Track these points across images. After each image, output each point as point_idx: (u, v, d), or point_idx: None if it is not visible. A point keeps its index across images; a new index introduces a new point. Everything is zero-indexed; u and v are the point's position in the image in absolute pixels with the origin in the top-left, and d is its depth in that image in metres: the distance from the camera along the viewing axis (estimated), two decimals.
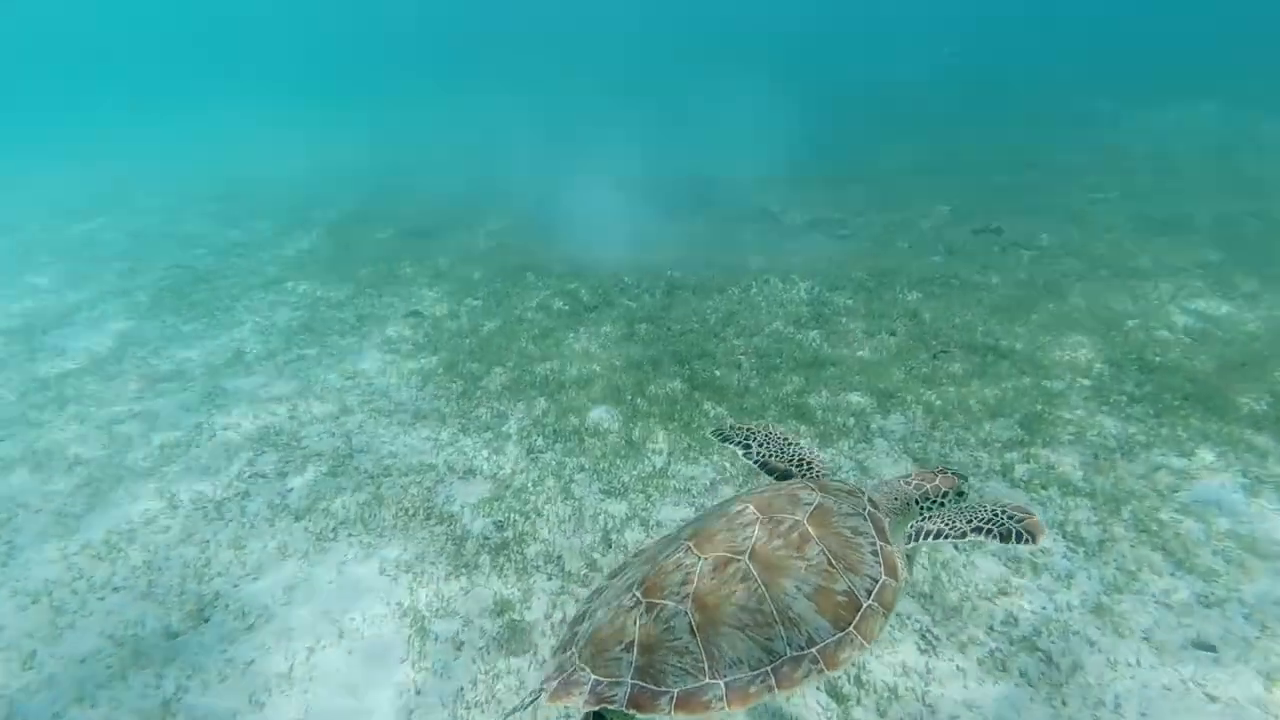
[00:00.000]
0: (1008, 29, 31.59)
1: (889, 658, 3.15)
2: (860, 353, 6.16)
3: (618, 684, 2.01)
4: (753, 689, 1.98)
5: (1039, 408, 4.98)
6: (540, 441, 5.16)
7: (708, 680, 1.99)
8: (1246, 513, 3.87)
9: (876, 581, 2.16)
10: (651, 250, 9.54)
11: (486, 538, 4.13)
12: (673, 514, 4.23)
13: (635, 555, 2.60)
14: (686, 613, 2.06)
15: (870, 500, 2.42)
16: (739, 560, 2.14)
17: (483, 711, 3.00)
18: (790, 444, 2.93)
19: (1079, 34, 28.63)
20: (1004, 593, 3.48)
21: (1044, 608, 3.37)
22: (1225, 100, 15.55)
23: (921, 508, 2.48)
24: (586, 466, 4.79)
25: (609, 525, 4.17)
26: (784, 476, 2.79)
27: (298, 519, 4.40)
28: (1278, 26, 23.59)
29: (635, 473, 4.67)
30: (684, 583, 2.13)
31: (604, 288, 8.42)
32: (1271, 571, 3.46)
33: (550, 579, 3.79)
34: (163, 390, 6.45)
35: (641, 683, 2.00)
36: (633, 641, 2.07)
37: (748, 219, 11.13)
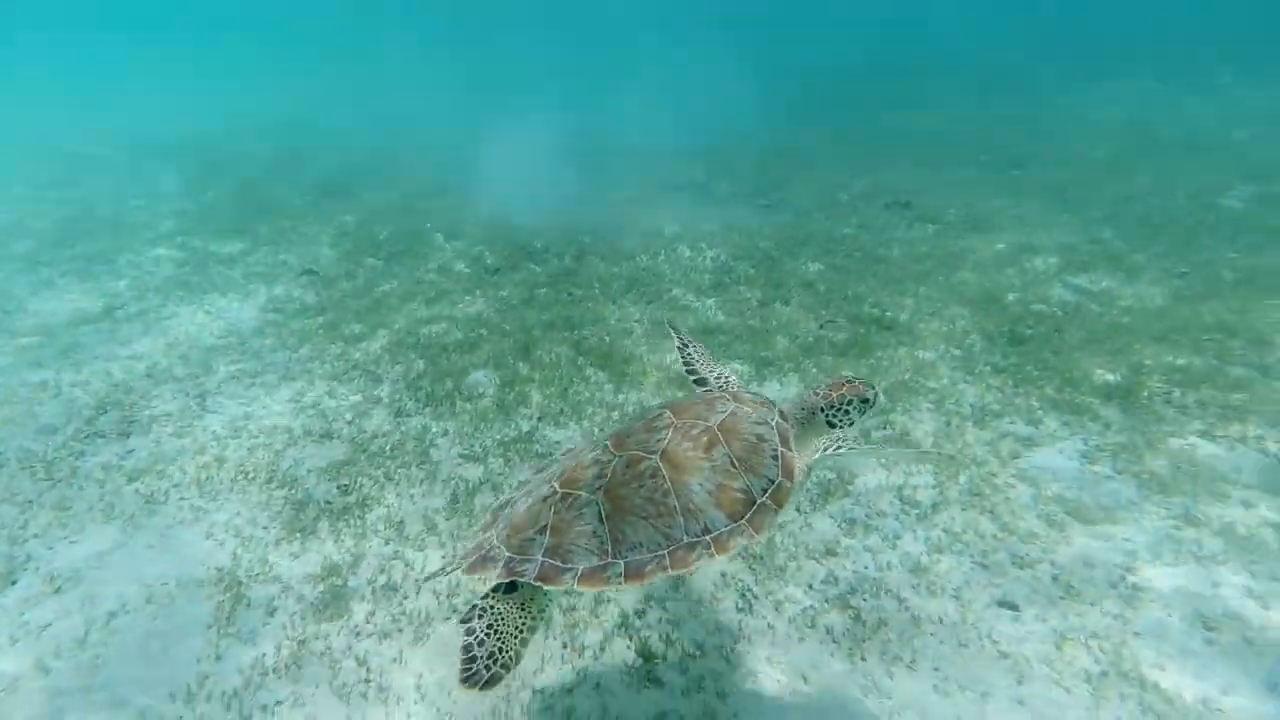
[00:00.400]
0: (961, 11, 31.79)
1: (706, 615, 3.18)
2: (751, 321, 6.17)
3: (528, 560, 2.24)
4: (649, 567, 2.20)
5: (907, 377, 5.07)
6: (410, 405, 5.03)
7: (610, 560, 2.21)
8: (1079, 479, 4.02)
9: (773, 482, 2.39)
10: (573, 215, 9.36)
11: (328, 502, 4.01)
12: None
13: (563, 454, 2.79)
14: (597, 503, 2.30)
15: (780, 413, 2.63)
16: (650, 459, 2.37)
17: (279, 677, 2.92)
18: (717, 367, 3.21)
19: (1026, 14, 28.99)
20: (831, 553, 3.53)
21: (865, 567, 3.44)
22: (1155, 76, 16.05)
23: (828, 416, 2.65)
24: (451, 430, 4.69)
25: (460, 490, 4.09)
26: (703, 384, 3.08)
27: (130, 480, 4.19)
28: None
29: (499, 437, 4.60)
30: (599, 476, 2.36)
31: (513, 251, 8.24)
32: (1089, 535, 3.60)
33: (387, 543, 3.70)
34: (22, 346, 6.07)
35: (550, 560, 2.23)
36: (546, 525, 2.30)
37: (677, 188, 11.02)
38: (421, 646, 3.04)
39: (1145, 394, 4.68)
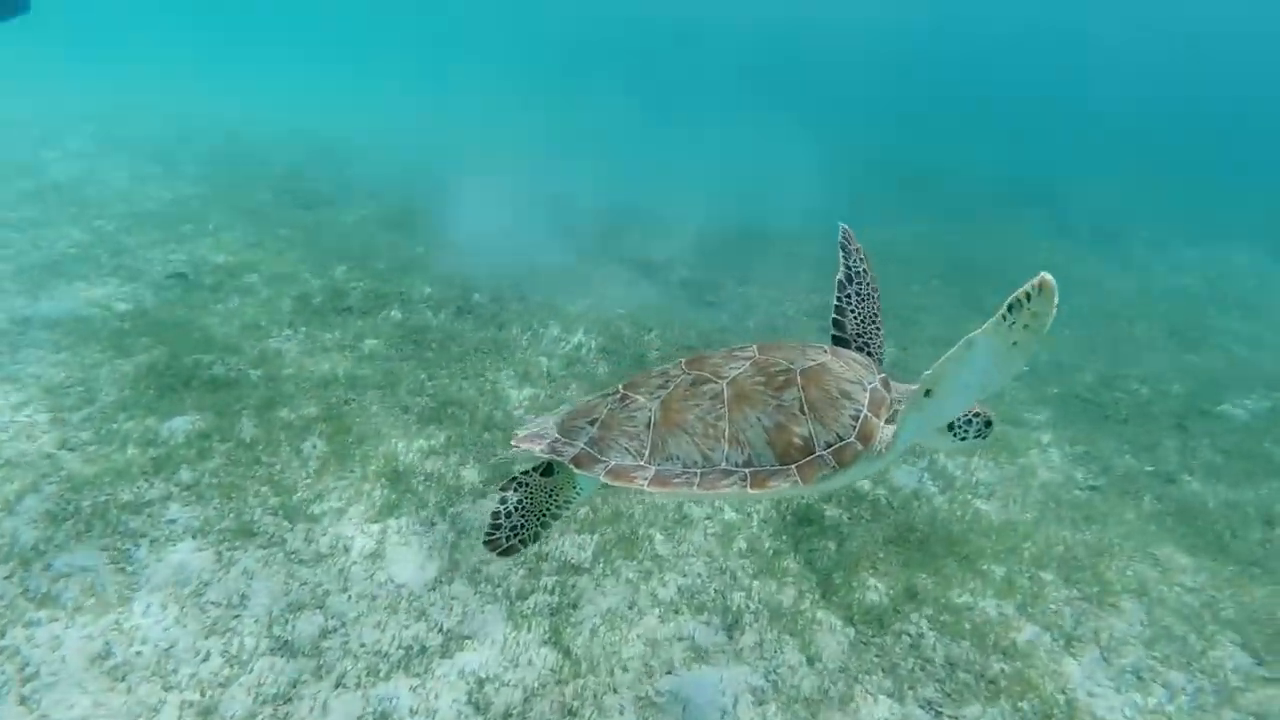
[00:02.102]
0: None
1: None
2: (517, 412, 5.47)
3: (571, 445, 2.36)
4: (676, 480, 2.23)
5: None
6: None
7: (644, 463, 2.27)
8: None
9: (843, 440, 2.24)
10: (493, 272, 8.97)
11: None
12: None
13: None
14: (650, 409, 2.35)
15: (883, 379, 2.46)
16: (717, 383, 2.37)
17: None
18: (876, 318, 2.91)
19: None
20: None
21: None
22: (1253, 244, 14.28)
23: (954, 428, 2.47)
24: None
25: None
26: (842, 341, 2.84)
27: None
28: None
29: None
30: (661, 387, 2.43)
31: (392, 294, 7.87)
32: None
33: None
34: None
35: (589, 449, 2.33)
36: (598, 419, 2.40)
37: (625, 263, 10.47)
38: None
39: None
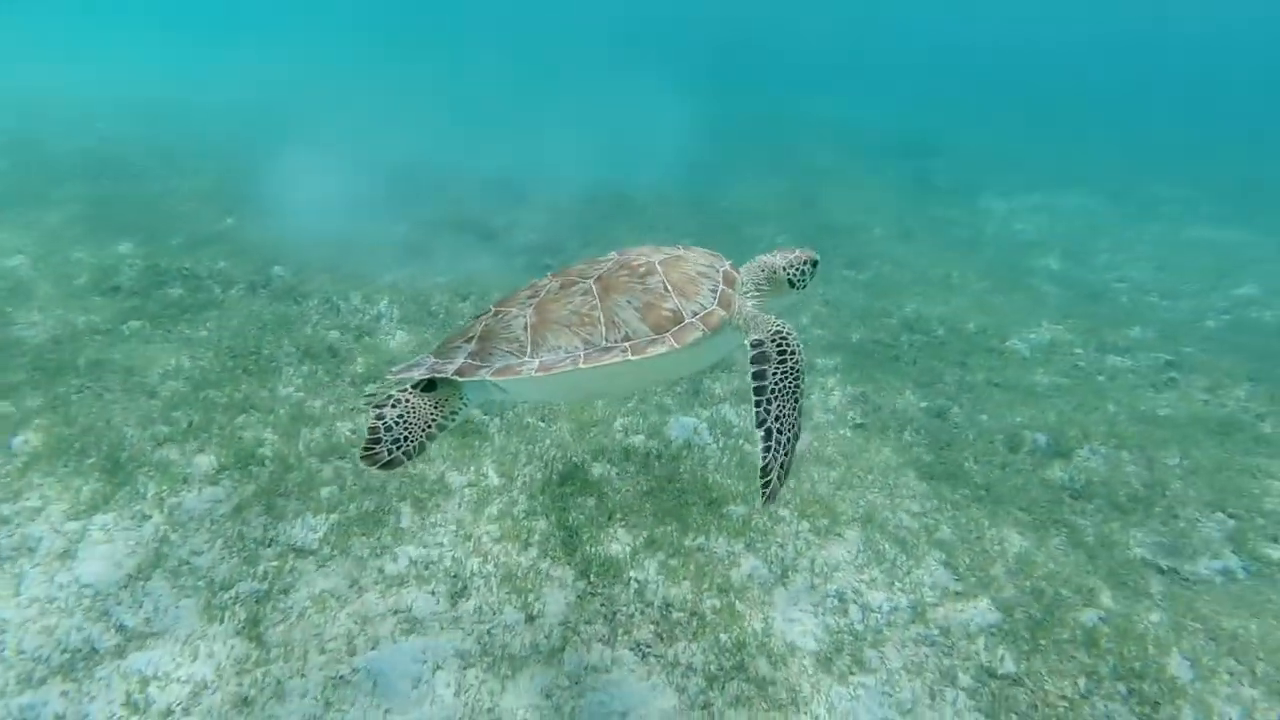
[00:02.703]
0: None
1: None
2: (286, 390, 5.25)
3: (450, 361, 2.46)
4: (561, 364, 2.38)
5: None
6: None
7: (526, 358, 2.41)
8: None
9: (706, 308, 2.51)
10: (307, 242, 8.50)
11: None
12: None
13: None
14: (524, 316, 2.50)
15: (730, 265, 2.75)
16: (584, 282, 2.54)
17: None
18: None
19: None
20: None
21: None
22: (1092, 191, 15.27)
23: (790, 274, 2.77)
24: None
25: None
26: None
27: None
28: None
29: None
30: (531, 296, 2.59)
31: (175, 271, 7.33)
32: None
33: None
34: None
35: (471, 360, 2.45)
36: (474, 335, 2.53)
37: (464, 230, 10.16)
38: None
39: None
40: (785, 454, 2.41)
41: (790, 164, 16.41)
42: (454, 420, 2.57)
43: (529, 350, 2.42)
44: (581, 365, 2.38)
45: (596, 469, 4.83)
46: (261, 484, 4.27)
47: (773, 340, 2.50)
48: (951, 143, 20.78)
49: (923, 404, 6.18)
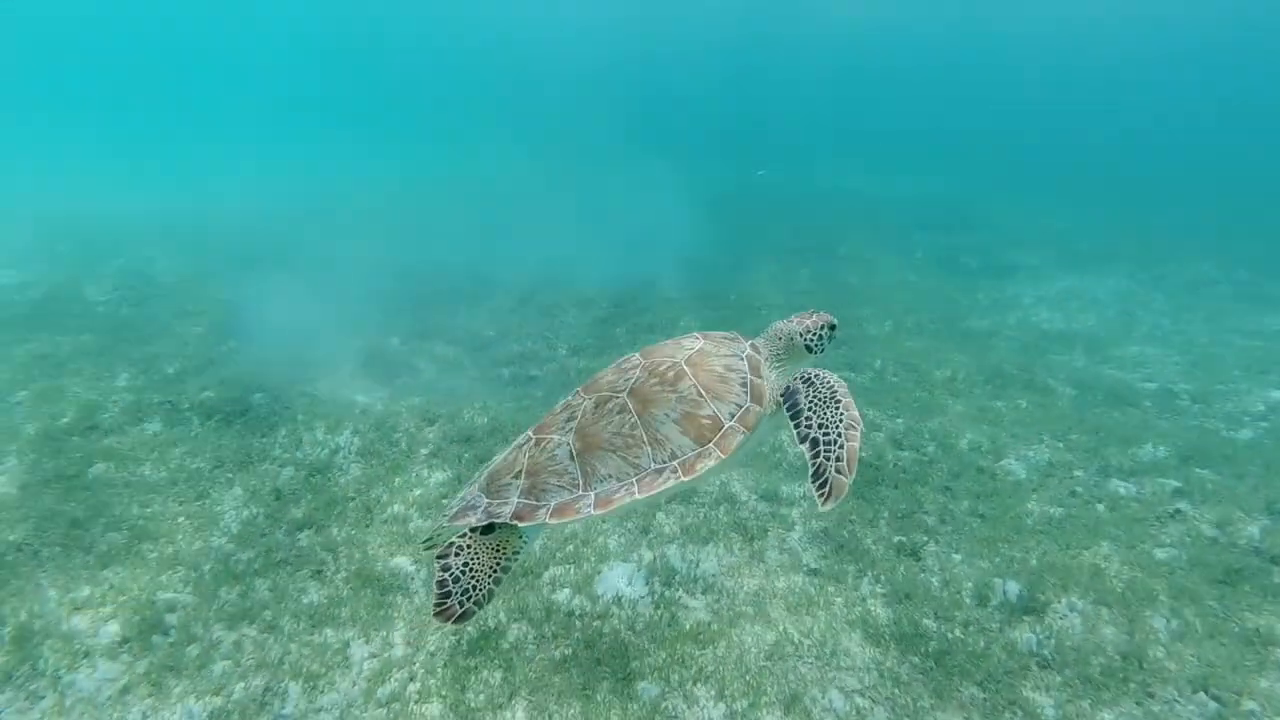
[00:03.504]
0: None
1: None
2: (218, 541, 5.30)
3: (505, 503, 2.49)
4: (617, 495, 2.43)
5: None
6: None
7: (581, 493, 2.45)
8: None
9: (741, 407, 2.61)
10: (293, 363, 8.88)
11: None
12: None
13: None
14: (568, 443, 2.54)
15: (752, 346, 2.88)
16: (618, 397, 2.60)
17: None
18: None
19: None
20: None
21: None
22: (1134, 271, 14.57)
23: (806, 340, 2.90)
24: None
25: None
26: None
27: None
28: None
29: None
30: (569, 420, 2.61)
31: (157, 405, 7.71)
32: None
33: None
34: None
35: (525, 500, 2.48)
36: (522, 470, 2.55)
37: (454, 341, 10.43)
38: None
39: None
40: (840, 449, 2.52)
41: (805, 247, 16.37)
42: (516, 560, 2.62)
43: (580, 484, 2.47)
44: (638, 496, 2.43)
45: (513, 632, 4.66)
46: (157, 659, 4.28)
47: (797, 379, 2.73)
48: (987, 214, 20.46)
49: (896, 538, 5.81)
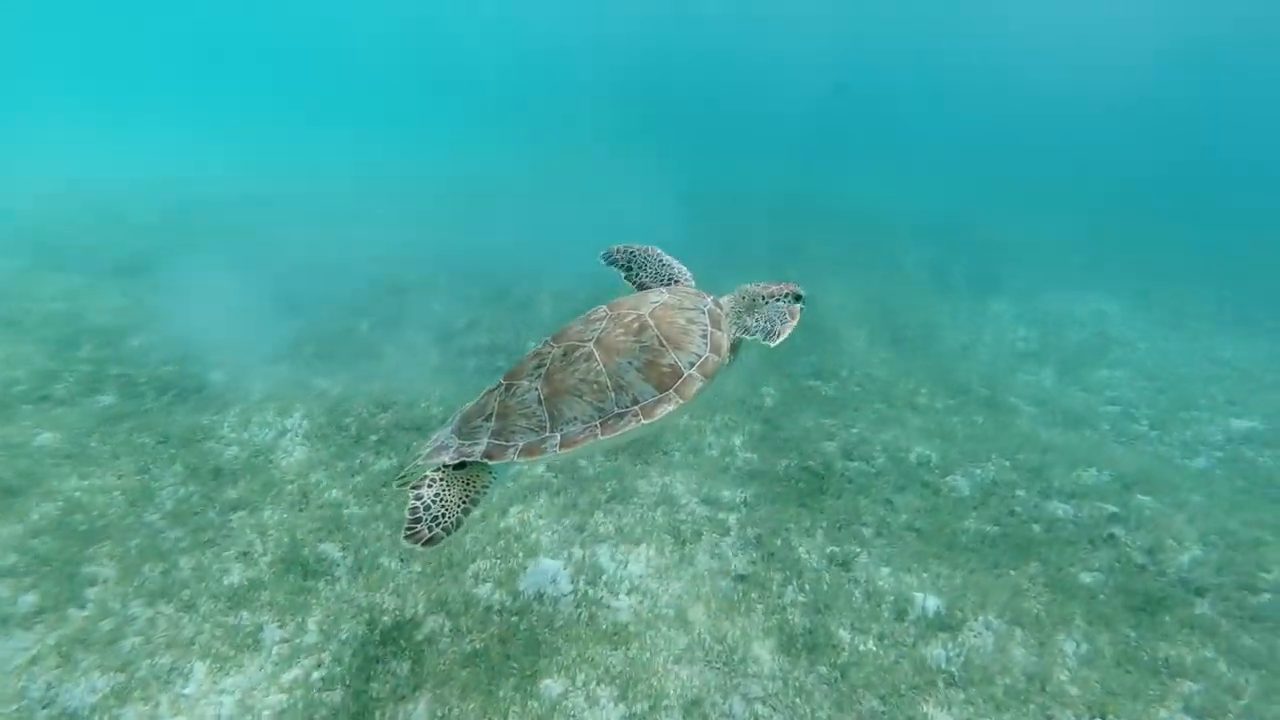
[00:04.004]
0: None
1: None
2: (151, 517, 5.36)
3: (476, 443, 2.67)
4: (581, 435, 2.59)
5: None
6: None
7: (548, 434, 2.60)
8: None
9: (701, 357, 2.76)
10: (255, 341, 8.94)
11: None
12: None
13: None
14: (537, 389, 2.71)
15: (715, 301, 3.04)
16: (585, 346, 2.76)
17: None
18: (666, 265, 3.60)
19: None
20: None
21: None
22: (1118, 291, 14.54)
23: (768, 304, 3.01)
24: None
25: None
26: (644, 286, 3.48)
27: None
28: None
29: None
30: (538, 367, 2.78)
31: (113, 377, 7.76)
32: None
33: None
34: None
35: (495, 440, 2.65)
36: (492, 413, 2.74)
37: (425, 328, 10.47)
38: None
39: None
40: (781, 327, 2.88)
41: (793, 255, 16.39)
42: (485, 493, 2.80)
43: (548, 425, 2.63)
44: (601, 437, 2.59)
45: (429, 624, 4.72)
46: (69, 632, 4.34)
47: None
48: (984, 226, 20.36)
49: (830, 548, 5.86)
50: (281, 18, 54.90)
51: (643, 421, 2.62)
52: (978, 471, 7.14)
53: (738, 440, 7.58)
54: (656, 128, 36.48)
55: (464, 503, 2.72)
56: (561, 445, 2.59)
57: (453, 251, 14.02)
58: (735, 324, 3.04)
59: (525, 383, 2.77)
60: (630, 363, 2.70)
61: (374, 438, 7.01)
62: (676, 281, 3.45)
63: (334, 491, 6.03)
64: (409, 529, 2.63)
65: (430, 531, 2.63)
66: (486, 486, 2.80)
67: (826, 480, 6.95)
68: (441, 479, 2.74)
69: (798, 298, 3.09)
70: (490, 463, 2.65)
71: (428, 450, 2.78)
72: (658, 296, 2.98)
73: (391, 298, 11.36)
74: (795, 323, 2.99)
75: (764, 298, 3.06)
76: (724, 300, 3.13)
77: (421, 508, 2.66)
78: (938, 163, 32.98)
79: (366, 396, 7.83)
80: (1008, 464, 7.20)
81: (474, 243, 14.65)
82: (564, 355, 2.77)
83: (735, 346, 3.02)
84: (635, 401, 2.65)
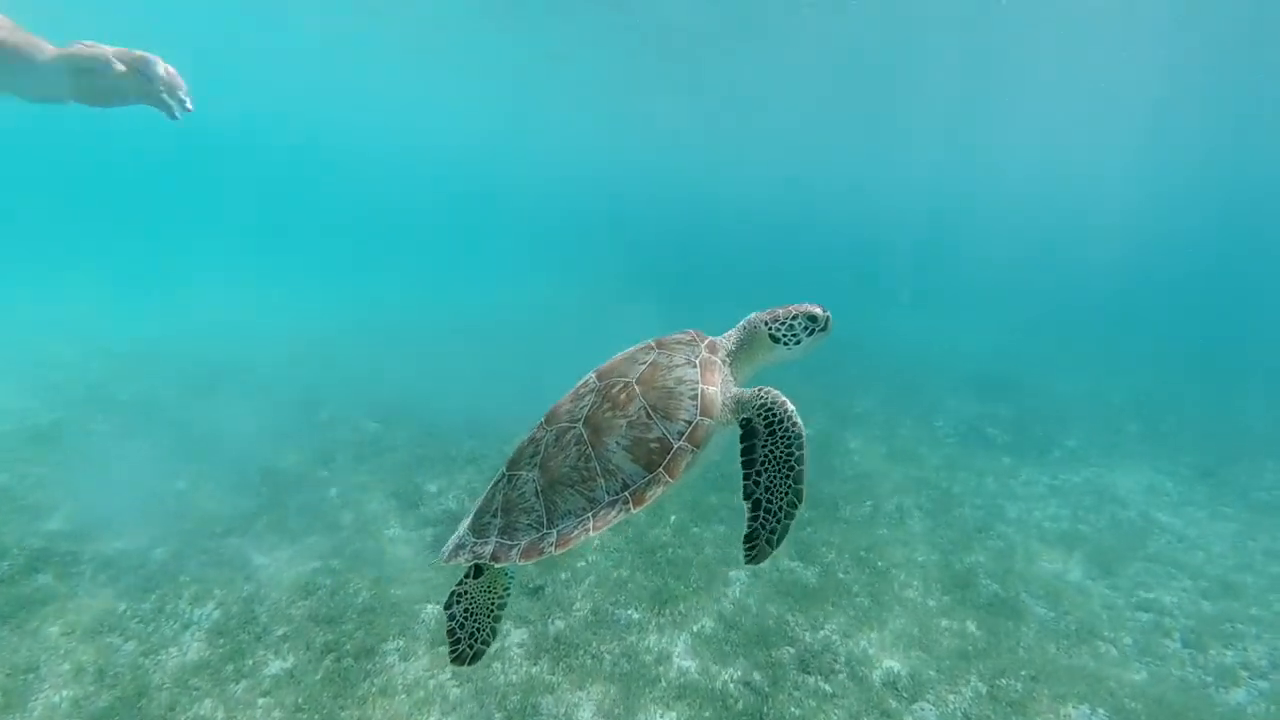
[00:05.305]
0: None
1: None
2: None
3: (486, 543, 2.60)
4: (574, 532, 2.49)
5: None
6: None
7: (546, 530, 2.52)
8: None
9: (690, 423, 2.54)
10: (212, 520, 9.02)
11: None
12: None
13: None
14: (534, 479, 2.62)
15: (708, 346, 2.79)
16: (575, 427, 2.63)
17: None
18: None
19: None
20: None
21: None
22: (1174, 465, 13.26)
23: (771, 329, 2.77)
24: None
25: None
26: None
27: None
28: None
29: None
30: (534, 454, 2.69)
31: (71, 554, 7.86)
32: None
33: None
34: None
35: (501, 539, 2.58)
36: (498, 507, 2.66)
37: (395, 494, 10.36)
38: None
39: None
40: (777, 521, 2.52)
41: (824, 405, 15.67)
42: (508, 594, 2.80)
43: (545, 521, 2.55)
44: (592, 533, 2.49)
45: None
46: None
47: (759, 414, 2.58)
48: (1037, 381, 19.33)
49: None
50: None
51: (633, 511, 2.48)
52: (951, 699, 6.19)
53: (680, 643, 6.89)
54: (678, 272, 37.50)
55: (492, 610, 2.74)
56: (558, 544, 2.50)
57: (425, 408, 14.17)
58: (739, 368, 2.83)
59: (524, 473, 2.67)
60: (618, 442, 2.54)
61: (280, 631, 6.71)
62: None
63: (206, 702, 5.68)
64: (452, 650, 2.69)
65: (471, 649, 2.69)
66: (507, 589, 2.79)
67: (770, 701, 6.15)
68: (466, 592, 2.75)
69: (811, 319, 2.74)
70: (496, 565, 2.61)
71: (449, 550, 2.75)
72: (646, 355, 2.77)
73: (376, 458, 11.41)
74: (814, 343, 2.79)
75: (766, 323, 2.78)
76: (719, 341, 2.86)
77: (456, 626, 2.70)
78: (995, 310, 32.39)
79: (295, 579, 7.63)
80: (985, 691, 6.21)
81: (448, 398, 14.78)
82: (556, 439, 2.65)
83: (737, 405, 2.67)
84: (625, 486, 2.50)
